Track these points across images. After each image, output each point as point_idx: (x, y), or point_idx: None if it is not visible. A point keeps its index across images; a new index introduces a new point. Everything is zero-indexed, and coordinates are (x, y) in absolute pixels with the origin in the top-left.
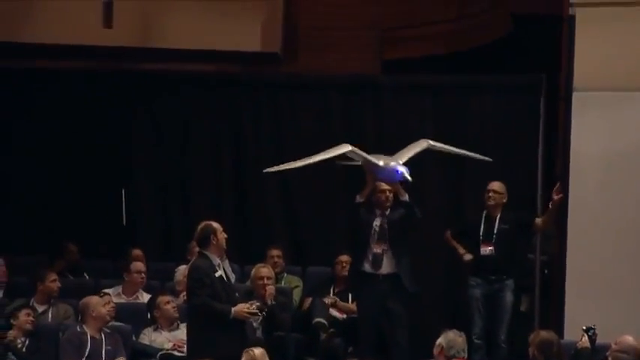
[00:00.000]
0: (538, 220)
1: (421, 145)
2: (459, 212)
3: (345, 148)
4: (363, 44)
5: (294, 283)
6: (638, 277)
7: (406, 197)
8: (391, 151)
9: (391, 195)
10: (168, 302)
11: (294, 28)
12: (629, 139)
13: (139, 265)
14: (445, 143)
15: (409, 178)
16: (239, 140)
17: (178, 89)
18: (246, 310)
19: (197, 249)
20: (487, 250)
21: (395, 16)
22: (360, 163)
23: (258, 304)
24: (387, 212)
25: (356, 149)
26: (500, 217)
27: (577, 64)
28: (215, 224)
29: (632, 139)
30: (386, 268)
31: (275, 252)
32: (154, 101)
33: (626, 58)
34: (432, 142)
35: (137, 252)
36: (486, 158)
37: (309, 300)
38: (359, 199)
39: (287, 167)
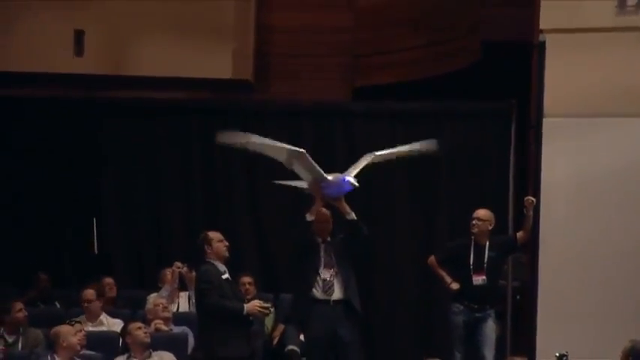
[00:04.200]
0: (519, 234)
1: (366, 158)
2: (432, 237)
3: (300, 150)
4: (334, 71)
5: None
6: (609, 303)
7: (352, 215)
8: (362, 177)
9: (330, 223)
10: (139, 328)
11: (265, 55)
12: (600, 165)
13: (89, 294)
14: (418, 169)
15: (356, 184)
16: (210, 168)
17: (149, 117)
18: (258, 305)
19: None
20: (479, 280)
21: (365, 43)
22: (305, 185)
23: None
24: (329, 239)
25: (308, 156)
26: (488, 245)
27: (547, 91)
28: (211, 233)
29: (602, 166)
30: (337, 293)
31: (246, 279)
32: (125, 129)
33: (596, 84)
34: (377, 153)
35: (108, 280)
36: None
37: (281, 327)
38: (309, 217)
39: (245, 140)
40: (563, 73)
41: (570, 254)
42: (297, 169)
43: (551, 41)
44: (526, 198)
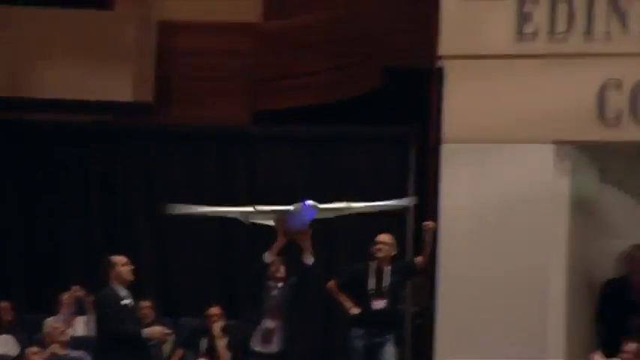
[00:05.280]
0: (418, 259)
1: (340, 204)
2: (332, 261)
3: (250, 208)
4: (236, 95)
5: None
6: (507, 329)
7: (311, 260)
8: (263, 201)
9: (282, 267)
10: (35, 353)
11: (167, 78)
12: (497, 190)
13: None
14: (318, 193)
15: (317, 204)
16: (110, 191)
17: (50, 139)
18: (157, 329)
19: None
20: (379, 304)
21: (267, 67)
22: (272, 221)
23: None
24: (280, 285)
25: (261, 207)
26: (389, 270)
27: (446, 116)
28: (116, 258)
29: (500, 191)
30: (275, 345)
31: (145, 303)
32: (26, 151)
33: (494, 110)
34: (353, 205)
35: (4, 304)
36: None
37: (179, 352)
38: (268, 258)
39: (190, 211)
40: (461, 99)
41: (469, 279)
42: (255, 219)
43: (450, 67)
44: (425, 223)
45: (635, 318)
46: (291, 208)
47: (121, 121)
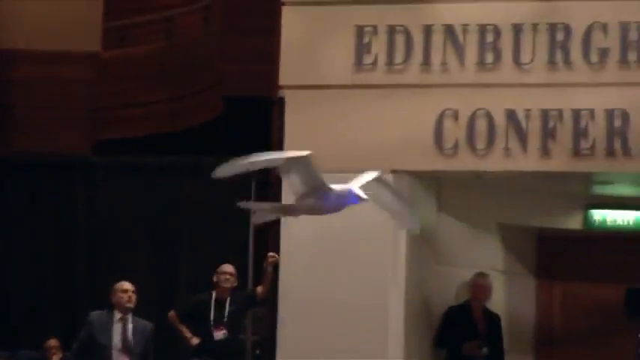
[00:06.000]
0: (259, 288)
1: (370, 175)
2: (173, 292)
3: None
4: (76, 125)
5: None
6: (347, 355)
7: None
8: (106, 232)
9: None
10: None
11: (6, 107)
12: (337, 218)
13: None
14: (159, 224)
15: (365, 196)
16: None
17: None
18: None
19: None
20: (220, 334)
21: (108, 97)
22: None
23: None
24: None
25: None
26: (230, 300)
27: (287, 146)
28: None
29: (340, 219)
30: None
31: None
32: None
33: (333, 139)
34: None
35: None
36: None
37: None
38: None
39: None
40: (302, 128)
41: (309, 307)
42: (292, 178)
43: (290, 97)
44: (269, 254)
45: (473, 343)
46: (334, 187)
47: None
